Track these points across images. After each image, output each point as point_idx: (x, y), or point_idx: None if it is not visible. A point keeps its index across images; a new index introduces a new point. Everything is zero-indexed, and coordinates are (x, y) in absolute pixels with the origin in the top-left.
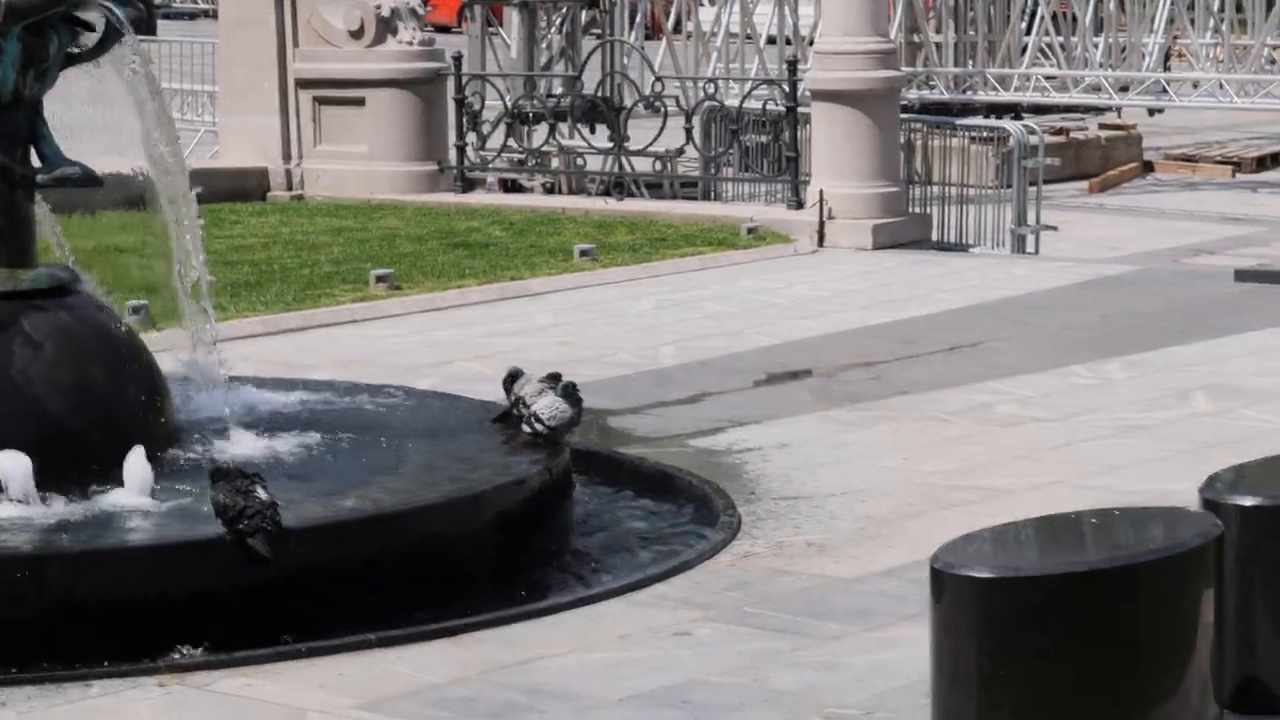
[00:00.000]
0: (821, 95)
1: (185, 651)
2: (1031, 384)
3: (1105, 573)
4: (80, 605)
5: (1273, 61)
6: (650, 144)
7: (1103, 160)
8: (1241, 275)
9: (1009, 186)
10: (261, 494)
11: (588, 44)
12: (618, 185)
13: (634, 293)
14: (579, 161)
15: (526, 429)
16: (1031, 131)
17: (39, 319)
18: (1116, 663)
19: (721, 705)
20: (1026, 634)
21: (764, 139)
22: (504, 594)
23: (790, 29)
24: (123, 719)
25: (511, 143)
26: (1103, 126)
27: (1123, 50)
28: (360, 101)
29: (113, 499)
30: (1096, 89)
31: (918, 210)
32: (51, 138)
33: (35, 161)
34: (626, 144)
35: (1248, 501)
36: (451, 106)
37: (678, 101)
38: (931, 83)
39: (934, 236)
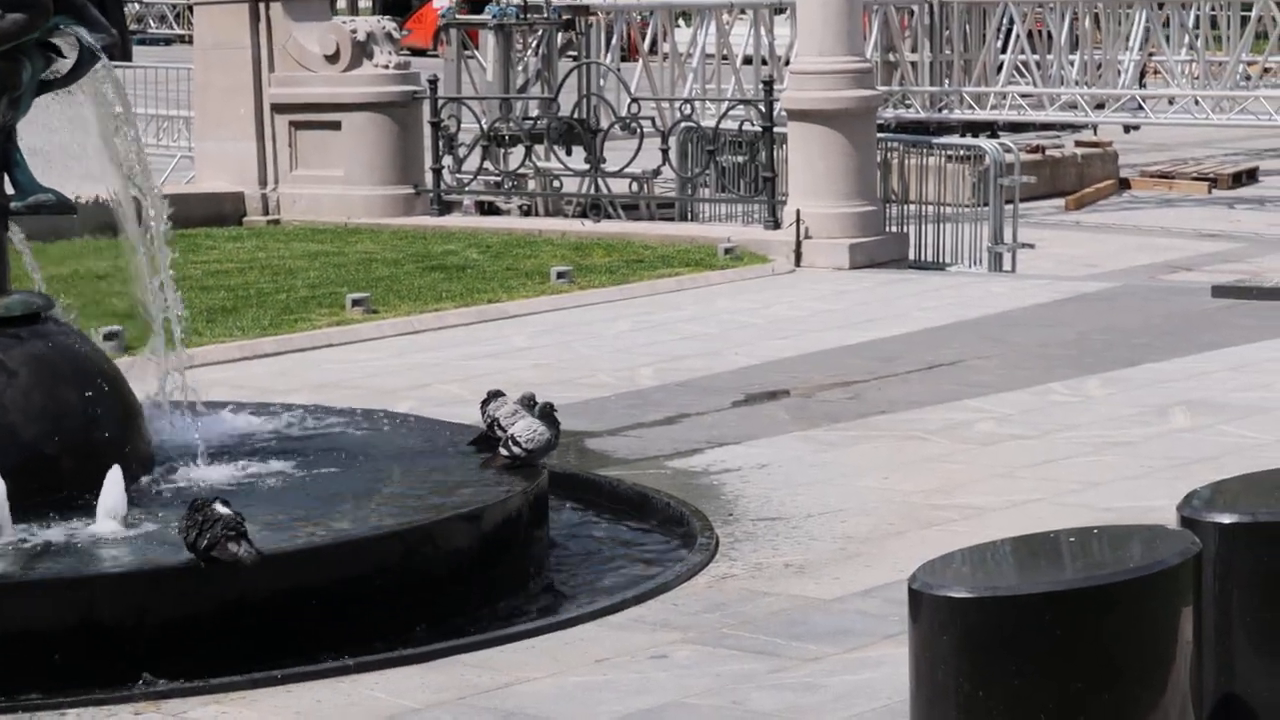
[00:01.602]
0: (797, 115)
1: (150, 679)
2: (1010, 402)
3: (1084, 591)
4: (53, 633)
5: (1248, 78)
6: (627, 165)
7: (1079, 178)
8: (1219, 291)
9: (986, 205)
10: (220, 509)
11: (564, 66)
12: (594, 207)
13: (611, 314)
14: (555, 183)
15: (504, 452)
16: (1008, 150)
17: (13, 346)
18: (1096, 681)
19: None
20: (1005, 653)
21: (740, 159)
22: (481, 618)
23: (766, 49)
24: None
25: (488, 165)
26: (1079, 144)
27: (1098, 68)
28: (336, 125)
29: (86, 525)
30: (1072, 106)
31: (895, 229)
32: (25, 164)
33: (9, 188)
34: (603, 165)
35: (1226, 519)
36: (428, 129)
37: (654, 122)
38: (907, 102)
39: (911, 255)
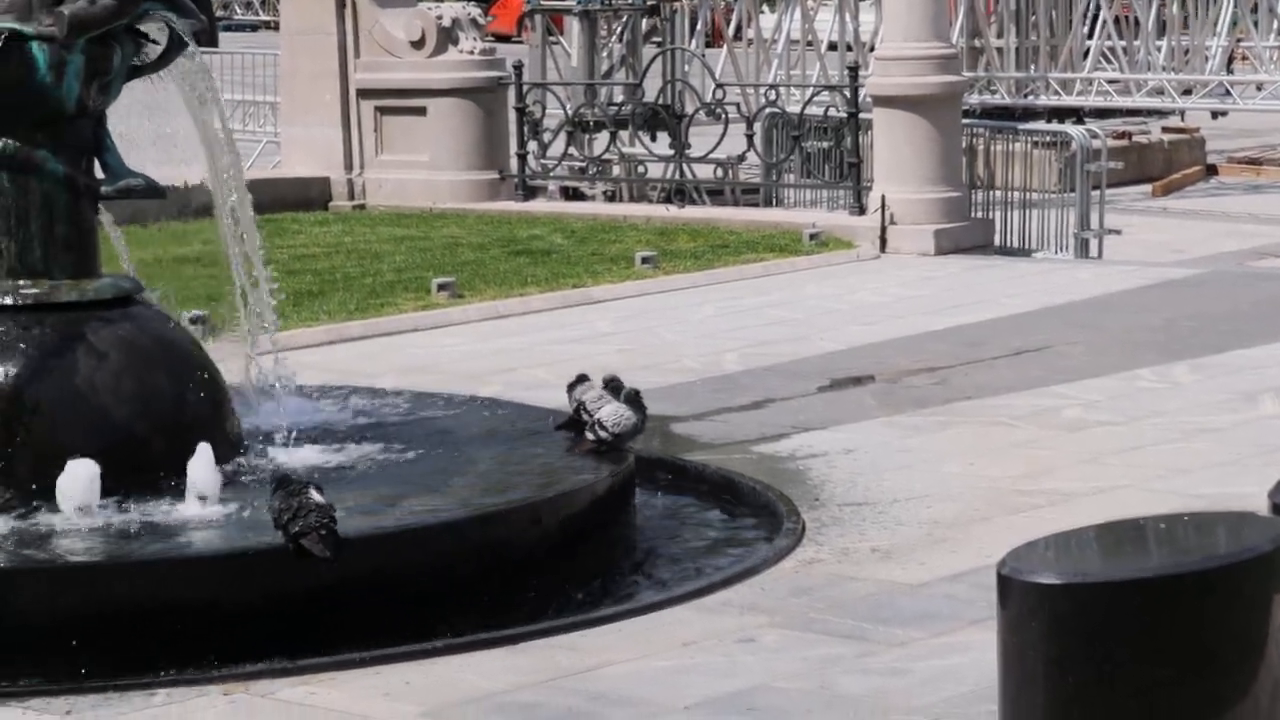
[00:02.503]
0: (883, 101)
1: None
2: (1097, 388)
3: (1175, 578)
4: (144, 613)
5: None
6: (711, 151)
7: (1166, 163)
8: None
9: (1072, 190)
10: (315, 496)
11: (648, 52)
12: (679, 192)
13: (696, 299)
14: (640, 169)
15: (590, 436)
16: (1094, 135)
17: (103, 329)
18: (1186, 668)
19: (788, 711)
20: (1094, 640)
21: (825, 145)
22: (568, 601)
23: (851, 35)
24: None
25: (572, 151)
26: (1166, 130)
27: (1185, 53)
28: (422, 111)
29: (177, 507)
30: (1159, 92)
31: (980, 215)
32: (115, 149)
33: (99, 173)
34: (688, 151)
35: None
36: (512, 115)
37: (739, 108)
38: (993, 87)
39: (997, 241)
